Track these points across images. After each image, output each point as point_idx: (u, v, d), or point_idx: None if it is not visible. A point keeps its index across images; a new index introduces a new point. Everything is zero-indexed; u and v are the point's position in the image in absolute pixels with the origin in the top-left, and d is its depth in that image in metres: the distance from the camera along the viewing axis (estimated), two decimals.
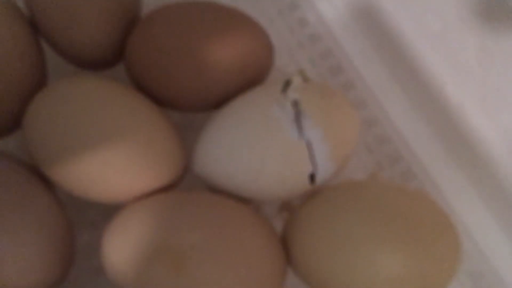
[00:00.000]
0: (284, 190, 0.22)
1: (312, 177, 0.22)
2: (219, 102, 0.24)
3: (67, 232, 0.22)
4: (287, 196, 0.23)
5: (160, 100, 0.24)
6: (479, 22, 0.24)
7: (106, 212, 0.22)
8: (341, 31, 0.31)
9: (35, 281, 0.20)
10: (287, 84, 0.22)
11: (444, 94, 0.27)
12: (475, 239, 0.27)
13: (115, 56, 0.25)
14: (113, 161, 0.21)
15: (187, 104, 0.24)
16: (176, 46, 0.23)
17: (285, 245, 0.22)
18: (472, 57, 0.25)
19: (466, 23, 0.25)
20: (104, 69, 0.26)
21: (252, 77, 0.24)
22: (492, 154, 0.26)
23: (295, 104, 0.21)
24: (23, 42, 0.23)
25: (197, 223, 0.20)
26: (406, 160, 0.28)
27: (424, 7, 0.26)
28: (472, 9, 0.24)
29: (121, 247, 0.20)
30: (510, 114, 0.25)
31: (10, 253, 0.19)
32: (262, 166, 0.21)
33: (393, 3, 0.28)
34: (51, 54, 0.25)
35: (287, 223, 0.23)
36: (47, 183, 0.22)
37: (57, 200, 0.22)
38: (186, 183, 0.24)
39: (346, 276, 0.20)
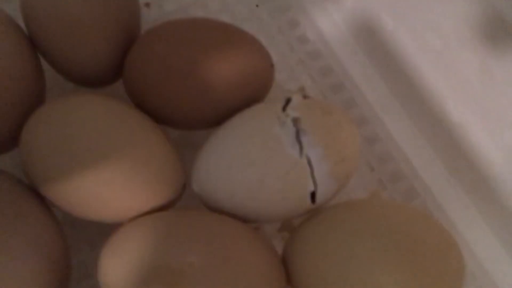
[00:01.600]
0: (284, 209, 0.22)
1: (312, 196, 0.21)
2: (219, 119, 0.24)
3: (63, 251, 0.21)
4: (287, 215, 0.22)
5: (158, 117, 0.24)
6: (480, 40, 0.24)
7: (103, 230, 0.22)
8: (342, 49, 0.31)
9: None
10: (287, 101, 0.22)
11: (445, 112, 0.27)
12: (478, 258, 0.27)
13: (114, 73, 0.25)
14: (111, 179, 0.21)
15: (186, 121, 0.24)
16: (175, 63, 0.23)
17: (285, 264, 0.22)
18: (473, 74, 0.25)
19: (466, 41, 0.25)
20: (103, 87, 0.26)
21: (252, 95, 0.24)
22: (494, 172, 0.26)
23: (296, 121, 0.21)
24: (22, 59, 0.23)
25: (196, 242, 0.20)
26: (408, 178, 0.28)
27: (425, 24, 0.26)
28: (473, 27, 0.24)
29: (118, 266, 0.20)
30: None
31: (4, 273, 0.19)
32: (262, 185, 0.21)
33: (394, 20, 0.28)
34: (49, 71, 0.25)
35: (287, 243, 0.23)
36: (43, 202, 0.22)
37: (53, 218, 0.22)
38: (184, 201, 0.24)
39: None
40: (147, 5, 0.31)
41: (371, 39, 0.30)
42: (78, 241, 0.25)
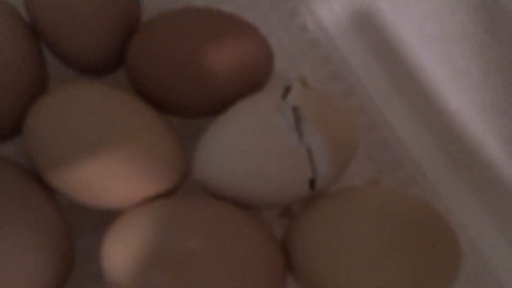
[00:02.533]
0: (284, 196, 0.22)
1: (312, 183, 0.22)
2: (219, 108, 0.24)
3: (66, 237, 0.22)
4: (287, 202, 0.23)
5: (160, 105, 0.24)
6: (479, 28, 0.24)
7: (106, 217, 0.22)
8: (341, 38, 0.31)
9: (35, 287, 0.20)
10: (287, 90, 0.22)
11: (444, 100, 0.27)
12: (476, 246, 0.27)
13: (116, 61, 0.25)
14: (113, 167, 0.21)
15: (187, 110, 0.24)
16: (176, 51, 0.23)
17: (285, 250, 0.22)
18: (472, 63, 0.25)
19: (465, 29, 0.24)
20: (105, 75, 0.26)
21: (252, 83, 0.24)
22: (492, 160, 0.26)
23: (295, 110, 0.21)
24: (24, 47, 0.23)
25: (197, 229, 0.20)
26: (406, 166, 0.28)
27: (424, 13, 0.26)
28: (472, 15, 0.24)
29: (120, 252, 0.20)
30: (510, 120, 0.25)
31: (9, 259, 0.19)
32: (262, 172, 0.21)
33: (393, 9, 0.28)
34: (51, 59, 0.25)
35: (287, 229, 0.23)
36: (47, 189, 0.22)
37: (57, 205, 0.22)
38: (186, 188, 0.24)
39: (346, 283, 0.20)
40: None
41: (370, 28, 0.30)
42: (81, 227, 0.25)
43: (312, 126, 0.21)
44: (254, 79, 0.24)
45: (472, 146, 0.27)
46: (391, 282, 0.19)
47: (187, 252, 0.20)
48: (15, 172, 0.21)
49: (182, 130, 0.27)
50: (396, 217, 0.20)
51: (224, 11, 0.24)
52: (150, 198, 0.22)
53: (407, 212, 0.20)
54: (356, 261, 0.20)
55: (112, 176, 0.21)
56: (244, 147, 0.21)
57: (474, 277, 0.26)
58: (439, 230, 0.20)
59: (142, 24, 0.24)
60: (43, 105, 0.21)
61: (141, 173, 0.21)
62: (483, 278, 0.26)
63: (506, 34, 0.23)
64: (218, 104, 0.24)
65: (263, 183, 0.21)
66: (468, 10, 0.24)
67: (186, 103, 0.24)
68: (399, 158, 0.28)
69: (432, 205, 0.21)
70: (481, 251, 0.27)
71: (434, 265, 0.19)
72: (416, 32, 0.27)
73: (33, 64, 0.23)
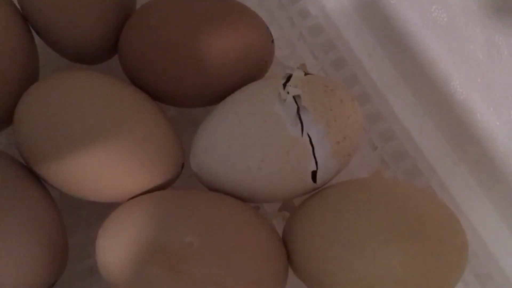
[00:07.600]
0: (284, 189, 0.22)
1: (313, 175, 0.21)
2: (217, 97, 0.23)
3: (60, 231, 0.22)
4: (288, 195, 0.22)
5: (156, 94, 0.24)
6: (486, 14, 0.24)
7: (101, 210, 0.22)
8: (344, 23, 0.30)
9: (28, 282, 0.20)
10: (288, 78, 0.22)
11: (450, 89, 0.27)
12: (482, 238, 0.26)
13: (109, 49, 0.25)
14: (108, 158, 0.21)
15: (184, 99, 0.24)
16: (171, 38, 0.22)
17: (286, 244, 0.22)
18: (479, 49, 0.25)
19: (473, 15, 0.24)
20: (98, 63, 0.26)
21: (252, 71, 0.24)
22: (499, 150, 0.26)
23: (296, 99, 0.21)
24: (15, 35, 0.23)
25: (195, 222, 0.20)
26: (412, 157, 0.28)
27: None
28: (479, 0, 0.23)
29: (115, 246, 0.20)
30: None
31: (1, 254, 0.19)
32: (262, 164, 0.21)
33: None
34: (42, 47, 0.25)
35: (287, 222, 0.23)
36: (39, 181, 0.22)
37: (50, 198, 0.22)
38: (183, 180, 0.24)
39: (348, 277, 0.20)
40: None
41: (374, 13, 0.29)
42: (75, 221, 0.25)
43: (314, 116, 0.21)
44: (253, 67, 0.24)
45: (479, 136, 0.27)
46: (395, 274, 0.19)
47: (185, 246, 0.19)
48: (7, 164, 0.21)
49: (178, 119, 0.27)
50: (400, 209, 0.20)
51: None
52: (146, 191, 0.22)
53: (411, 203, 0.20)
54: (358, 255, 0.19)
55: (105, 169, 0.21)
56: (243, 138, 0.21)
57: (480, 271, 0.26)
58: (445, 222, 0.20)
59: (136, 10, 0.24)
60: (33, 94, 0.21)
61: (136, 165, 0.21)
62: (489, 271, 0.26)
63: None
64: (216, 93, 0.23)
65: (263, 176, 0.21)
66: None
67: (182, 92, 0.24)
68: (404, 149, 0.28)
69: (437, 197, 0.21)
70: (488, 244, 0.26)
71: (440, 256, 0.19)
72: (421, 17, 0.27)
73: (24, 52, 0.23)
